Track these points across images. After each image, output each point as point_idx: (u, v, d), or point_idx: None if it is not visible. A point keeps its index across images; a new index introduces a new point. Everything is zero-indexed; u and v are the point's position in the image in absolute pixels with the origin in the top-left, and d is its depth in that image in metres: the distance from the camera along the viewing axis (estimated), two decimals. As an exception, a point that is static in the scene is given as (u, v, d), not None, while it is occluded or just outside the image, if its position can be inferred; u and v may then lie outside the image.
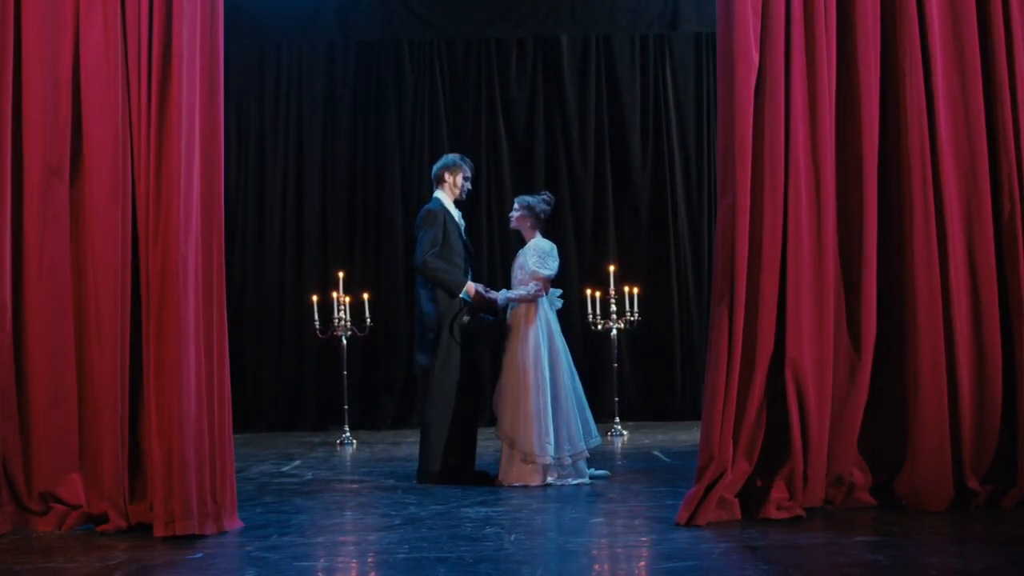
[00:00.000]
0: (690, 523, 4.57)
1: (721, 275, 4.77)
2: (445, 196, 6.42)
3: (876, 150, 4.88)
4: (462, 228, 6.43)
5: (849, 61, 4.89)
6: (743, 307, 4.71)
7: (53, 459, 4.82)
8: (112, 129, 4.80)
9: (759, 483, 4.74)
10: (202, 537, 4.56)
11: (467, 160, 6.53)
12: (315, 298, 9.11)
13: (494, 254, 10.35)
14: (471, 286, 6.27)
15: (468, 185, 6.50)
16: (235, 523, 4.82)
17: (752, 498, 4.73)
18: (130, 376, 4.77)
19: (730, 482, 4.69)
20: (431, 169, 10.19)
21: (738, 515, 4.69)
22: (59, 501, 4.82)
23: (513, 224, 6.39)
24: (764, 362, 4.73)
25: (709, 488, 4.64)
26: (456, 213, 6.42)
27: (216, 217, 4.86)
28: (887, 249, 4.92)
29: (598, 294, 9.08)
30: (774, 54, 4.77)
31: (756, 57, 4.77)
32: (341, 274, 8.89)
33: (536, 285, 6.12)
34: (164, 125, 4.74)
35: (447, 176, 6.44)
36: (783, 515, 4.62)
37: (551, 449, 5.93)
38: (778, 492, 4.68)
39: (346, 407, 9.05)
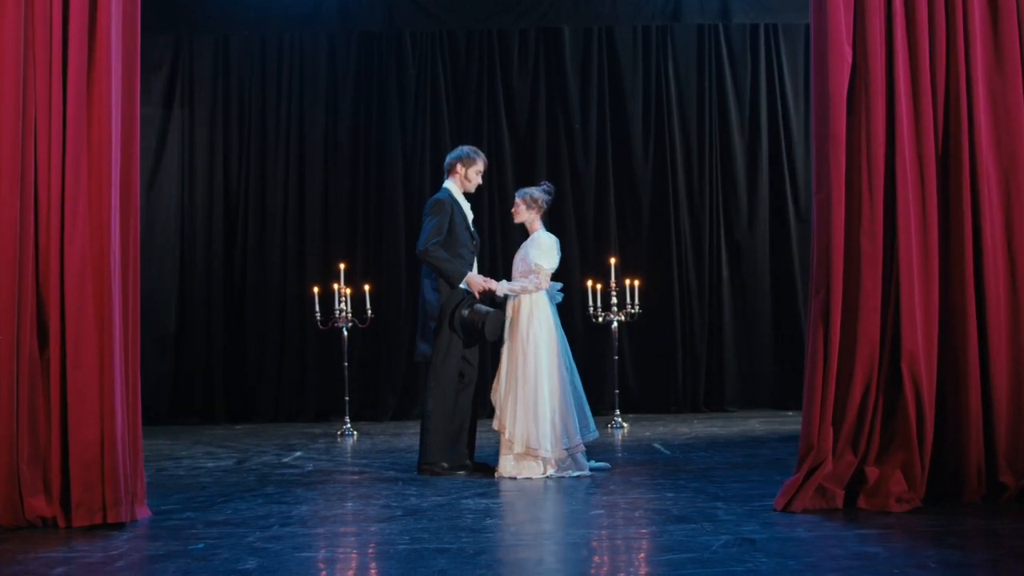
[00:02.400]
0: (786, 509, 4.68)
1: (817, 268, 4.80)
2: (455, 187, 6.42)
3: (942, 140, 4.89)
4: (470, 219, 6.43)
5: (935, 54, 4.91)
6: (840, 299, 4.74)
7: None
8: (13, 121, 4.72)
9: (874, 475, 4.71)
10: (120, 526, 4.62)
11: (481, 154, 6.49)
12: (316, 289, 9.12)
13: (495, 246, 10.35)
14: (472, 277, 6.27)
15: (479, 180, 6.48)
16: (144, 512, 4.88)
17: (865, 490, 4.71)
18: (41, 369, 4.71)
19: (831, 472, 4.72)
20: (432, 160, 10.33)
21: (839, 505, 4.70)
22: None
23: (518, 218, 6.38)
24: (866, 354, 4.74)
25: (808, 477, 4.70)
26: (465, 204, 6.42)
27: (132, 210, 4.85)
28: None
29: (599, 286, 9.09)
30: (873, 48, 4.78)
31: (849, 52, 4.79)
32: (342, 265, 8.91)
33: (536, 278, 6.13)
34: (92, 116, 4.71)
35: (459, 167, 6.42)
36: (903, 507, 4.63)
37: (549, 442, 5.94)
38: (896, 485, 4.67)
39: (347, 398, 9.06)
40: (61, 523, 4.64)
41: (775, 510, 4.71)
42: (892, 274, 4.78)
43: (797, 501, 4.69)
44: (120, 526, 4.65)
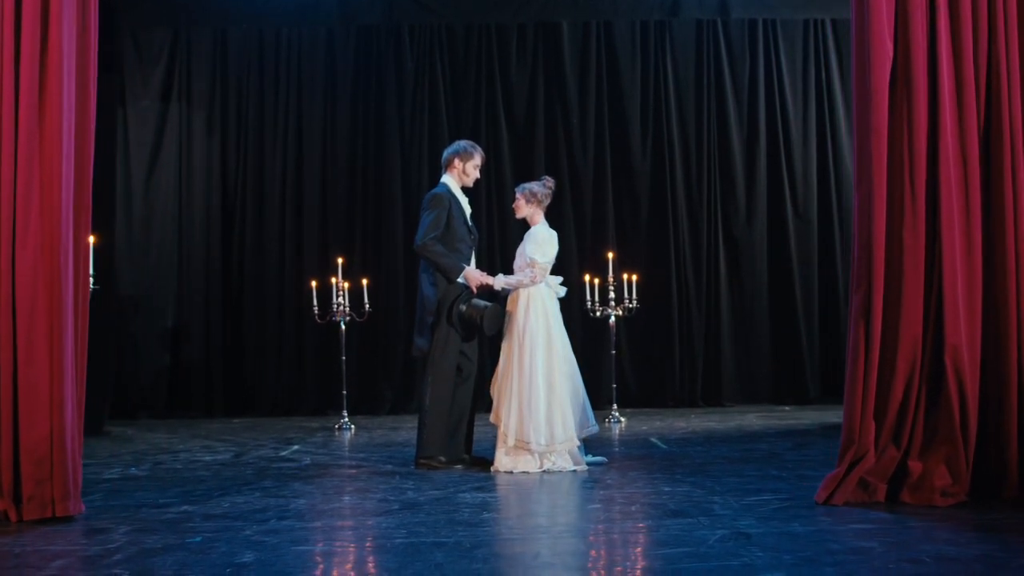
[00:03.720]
0: (827, 502, 4.70)
1: (858, 262, 4.80)
2: (453, 181, 6.42)
3: (985, 133, 4.90)
4: (468, 214, 6.43)
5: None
6: (882, 294, 4.74)
7: None
8: None
9: (918, 469, 4.71)
10: (68, 519, 4.65)
11: (478, 148, 6.49)
12: (314, 283, 9.12)
13: (493, 241, 10.36)
14: (469, 271, 6.28)
15: (477, 174, 6.49)
16: (80, 506, 4.87)
17: (908, 484, 4.71)
18: None
19: (873, 466, 4.73)
20: (430, 155, 10.33)
21: (881, 498, 4.71)
22: None
23: (519, 213, 6.38)
24: (908, 348, 4.73)
25: (849, 470, 4.72)
26: (463, 199, 6.42)
27: (84, 209, 4.85)
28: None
29: (597, 281, 9.10)
30: (915, 42, 4.77)
31: (891, 46, 4.79)
32: (340, 259, 8.91)
33: (531, 272, 6.14)
34: (44, 116, 4.69)
35: (457, 162, 6.43)
36: (948, 501, 4.63)
37: (543, 436, 5.95)
38: (940, 479, 4.67)
39: (345, 392, 9.07)
40: (13, 517, 4.64)
41: (817, 503, 4.73)
42: (935, 268, 4.78)
43: (839, 494, 4.70)
44: (69, 519, 4.67)
